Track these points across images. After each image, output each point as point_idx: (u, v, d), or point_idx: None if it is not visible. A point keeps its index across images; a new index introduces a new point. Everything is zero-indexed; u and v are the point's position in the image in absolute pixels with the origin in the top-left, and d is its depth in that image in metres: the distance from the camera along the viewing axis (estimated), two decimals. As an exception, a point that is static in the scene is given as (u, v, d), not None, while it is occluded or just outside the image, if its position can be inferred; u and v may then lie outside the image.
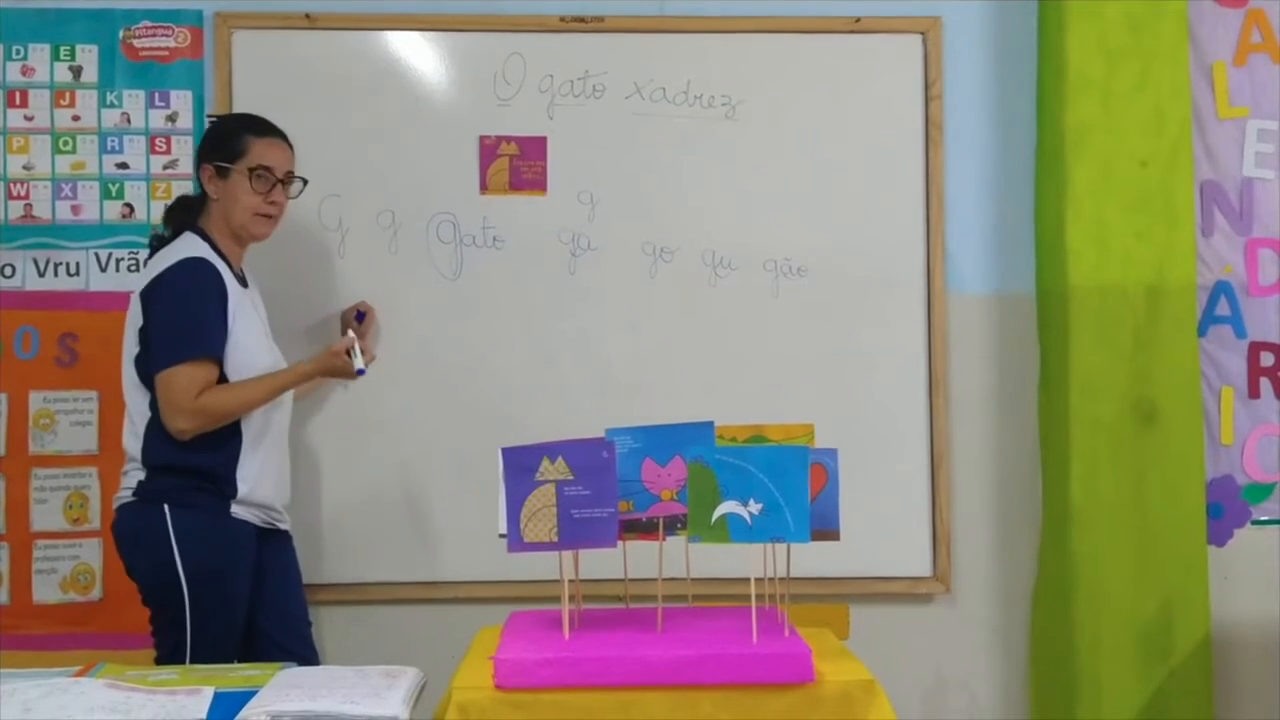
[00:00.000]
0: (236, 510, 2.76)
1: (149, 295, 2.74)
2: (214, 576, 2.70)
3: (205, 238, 2.83)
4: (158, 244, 2.85)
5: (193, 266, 2.74)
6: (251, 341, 2.81)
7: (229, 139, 2.84)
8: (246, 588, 2.78)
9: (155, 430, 2.73)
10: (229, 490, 2.75)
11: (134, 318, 2.78)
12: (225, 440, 2.75)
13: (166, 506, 2.69)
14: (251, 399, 2.77)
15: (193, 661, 2.61)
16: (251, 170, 2.82)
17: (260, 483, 2.79)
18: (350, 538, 3.22)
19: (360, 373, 2.84)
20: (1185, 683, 3.26)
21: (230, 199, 2.83)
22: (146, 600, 2.77)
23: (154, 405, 2.73)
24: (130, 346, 2.78)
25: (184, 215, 2.87)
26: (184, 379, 2.67)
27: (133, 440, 2.77)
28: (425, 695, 2.08)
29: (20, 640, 3.19)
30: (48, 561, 3.26)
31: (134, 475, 2.76)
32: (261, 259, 3.29)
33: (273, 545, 2.86)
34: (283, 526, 2.90)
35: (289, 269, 3.27)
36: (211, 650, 2.65)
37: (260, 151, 2.84)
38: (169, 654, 2.70)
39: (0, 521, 3.26)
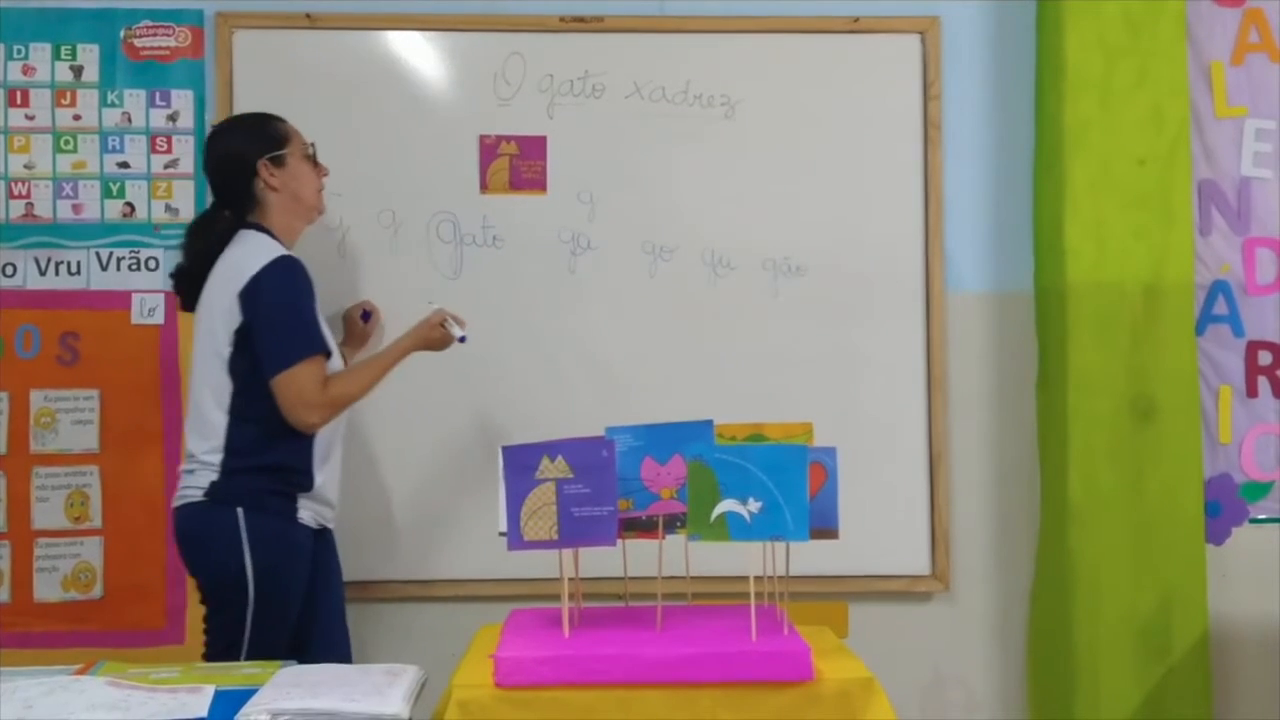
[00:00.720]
0: (302, 514, 2.78)
1: (251, 296, 2.70)
2: (279, 580, 2.73)
3: (266, 233, 2.83)
4: (184, 276, 2.85)
5: (288, 264, 2.76)
6: (327, 331, 2.85)
7: (269, 131, 2.87)
8: (303, 590, 2.81)
9: (238, 427, 2.73)
10: (306, 484, 2.78)
11: (225, 318, 2.73)
12: (304, 433, 2.76)
13: (240, 510, 2.71)
14: (367, 383, 2.84)
15: (247, 659, 2.64)
16: (301, 152, 2.89)
17: (330, 477, 2.85)
18: (350, 536, 3.21)
19: (462, 339, 2.90)
20: (1183, 681, 3.27)
21: (297, 182, 2.86)
22: (206, 598, 2.79)
23: (240, 403, 2.73)
24: (219, 346, 2.74)
25: (212, 230, 2.85)
26: (310, 375, 2.71)
27: (204, 439, 2.75)
28: (426, 693, 2.09)
29: (21, 638, 3.19)
30: (49, 560, 3.27)
31: (204, 475, 2.75)
32: (262, 258, 3.30)
33: (320, 544, 2.89)
34: (330, 525, 2.92)
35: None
36: (266, 649, 2.66)
37: (297, 135, 2.91)
38: (222, 652, 2.71)
39: (1, 520, 3.26)
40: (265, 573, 2.70)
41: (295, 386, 2.70)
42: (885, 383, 3.37)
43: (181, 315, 3.28)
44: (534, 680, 1.95)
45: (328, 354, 2.78)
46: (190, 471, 2.77)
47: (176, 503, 2.80)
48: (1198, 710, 3.27)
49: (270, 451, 2.74)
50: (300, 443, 2.76)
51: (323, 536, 2.89)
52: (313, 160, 2.92)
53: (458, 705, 1.94)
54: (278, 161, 2.84)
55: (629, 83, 3.36)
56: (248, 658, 2.65)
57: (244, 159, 2.83)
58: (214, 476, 2.73)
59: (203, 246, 2.83)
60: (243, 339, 2.72)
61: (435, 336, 2.92)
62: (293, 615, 2.79)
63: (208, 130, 3.30)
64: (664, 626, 2.13)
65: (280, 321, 2.73)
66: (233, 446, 2.73)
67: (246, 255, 2.76)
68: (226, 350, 2.74)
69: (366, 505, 3.24)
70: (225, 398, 2.75)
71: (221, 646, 2.72)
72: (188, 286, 2.86)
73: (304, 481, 2.78)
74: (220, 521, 2.71)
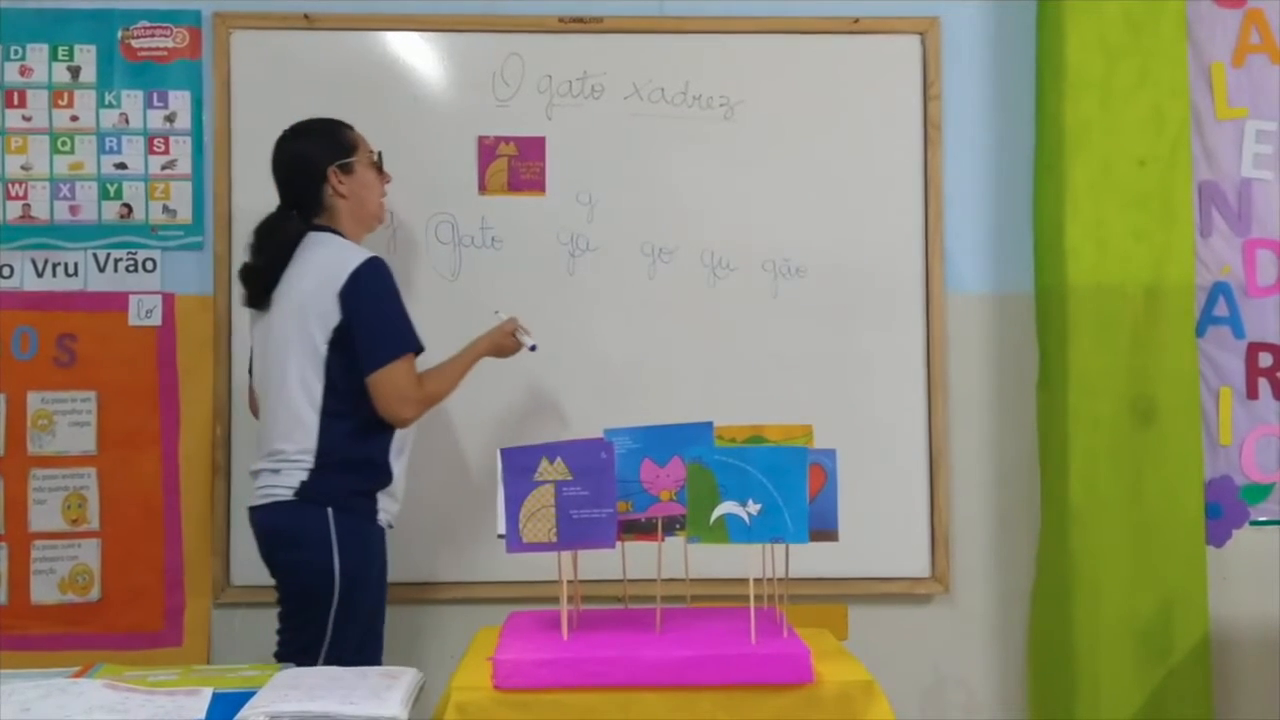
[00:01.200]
0: (381, 514, 2.82)
1: (351, 295, 2.75)
2: (363, 582, 2.76)
3: (338, 235, 2.88)
4: (254, 275, 2.86)
5: (379, 263, 2.81)
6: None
7: (338, 138, 2.92)
8: (379, 592, 2.86)
9: (329, 425, 2.77)
10: (386, 479, 2.82)
11: (322, 317, 2.76)
12: (386, 428, 2.82)
13: (330, 510, 2.74)
14: (453, 381, 2.93)
15: (326, 662, 2.64)
16: (369, 160, 2.94)
17: (402, 471, 2.88)
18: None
19: (533, 348, 2.99)
20: (1184, 682, 3.26)
21: (364, 190, 2.92)
22: (287, 598, 2.80)
23: (332, 401, 2.77)
24: (315, 344, 2.77)
25: (284, 231, 2.86)
26: (406, 371, 2.78)
27: (293, 438, 2.77)
28: (424, 695, 2.08)
29: (19, 641, 3.19)
30: (46, 562, 3.26)
31: (293, 474, 2.76)
32: (260, 259, 3.29)
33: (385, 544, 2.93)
34: (394, 524, 2.94)
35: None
36: (343, 651, 2.69)
37: (364, 142, 2.95)
38: (298, 652, 2.72)
39: (-1, 522, 3.27)
40: (351, 574, 2.74)
41: (393, 382, 2.76)
42: (885, 384, 3.37)
43: (180, 315, 3.30)
44: (533, 683, 1.95)
45: (420, 351, 2.83)
46: (275, 471, 2.79)
47: (260, 501, 2.81)
48: (1198, 712, 3.27)
49: (358, 448, 2.79)
50: (383, 439, 2.82)
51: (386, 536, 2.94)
52: (378, 168, 2.97)
53: (456, 708, 1.94)
54: (346, 169, 2.90)
55: (628, 83, 3.35)
56: (326, 660, 2.66)
57: (314, 164, 2.88)
58: (304, 476, 2.77)
59: (275, 247, 2.85)
60: (340, 337, 2.76)
61: (508, 344, 3.00)
62: (366, 617, 2.82)
63: (206, 132, 3.32)
64: (663, 629, 2.12)
65: (380, 319, 2.78)
66: (324, 445, 2.77)
67: (336, 256, 2.80)
68: (324, 349, 2.77)
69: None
70: (317, 396, 2.78)
71: (298, 647, 2.72)
72: (256, 285, 2.88)
73: (384, 477, 2.83)
74: (311, 521, 2.74)
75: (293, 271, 2.81)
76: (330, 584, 2.72)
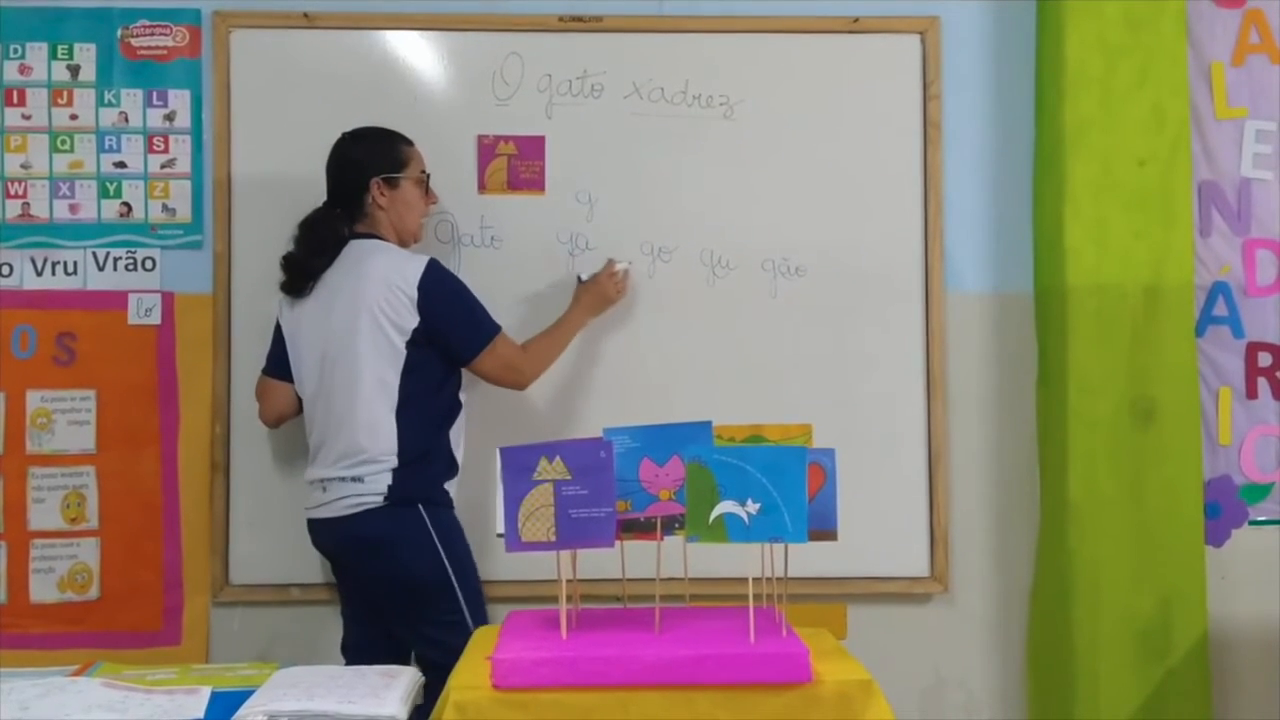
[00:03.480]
0: (454, 502, 2.93)
1: (428, 298, 2.86)
2: (471, 567, 2.89)
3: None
4: (297, 265, 2.95)
5: (437, 263, 2.95)
6: None
7: (391, 151, 3.00)
8: None
9: (407, 426, 2.86)
10: (455, 468, 2.94)
11: (398, 323, 2.86)
12: (451, 420, 2.95)
13: (422, 507, 2.82)
14: (561, 345, 3.12)
15: None
16: (417, 178, 3.02)
17: (461, 461, 2.98)
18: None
19: (629, 264, 3.22)
20: (1183, 682, 3.26)
21: (404, 207, 3.01)
22: (401, 605, 2.83)
23: (407, 402, 2.85)
24: (394, 348, 2.86)
25: (332, 228, 2.96)
26: (506, 344, 2.98)
27: (374, 441, 2.84)
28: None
29: (18, 639, 3.19)
30: (45, 561, 3.26)
31: (378, 479, 2.82)
32: (261, 261, 3.29)
33: None
34: None
35: (287, 268, 3.27)
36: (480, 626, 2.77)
37: (417, 159, 3.05)
38: (432, 644, 2.79)
39: (-3, 521, 3.26)
40: (459, 563, 2.84)
41: (500, 358, 2.96)
42: (884, 384, 3.37)
43: (180, 314, 3.31)
44: (532, 682, 1.95)
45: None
46: (357, 479, 2.83)
47: (346, 511, 2.85)
48: (1197, 711, 3.27)
49: (433, 443, 2.90)
50: (450, 431, 2.95)
51: None
52: (425, 188, 3.04)
53: (455, 707, 1.93)
54: (391, 183, 2.98)
55: (628, 83, 3.35)
56: None
57: (360, 171, 2.96)
58: (389, 479, 2.83)
59: (318, 241, 2.94)
60: (417, 338, 2.86)
61: (612, 289, 3.18)
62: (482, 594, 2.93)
63: (206, 130, 3.32)
64: (662, 628, 2.12)
65: (464, 311, 2.94)
66: (404, 444, 2.84)
67: (398, 263, 2.90)
68: (403, 352, 2.86)
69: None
70: (395, 396, 2.86)
71: (445, 650, 2.55)
72: (297, 274, 2.96)
73: (454, 468, 2.94)
74: (409, 522, 2.81)
75: (347, 274, 2.90)
76: (445, 577, 2.81)
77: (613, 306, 3.23)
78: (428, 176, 3.07)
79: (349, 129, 3.05)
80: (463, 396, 3.02)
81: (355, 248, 2.94)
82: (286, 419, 3.12)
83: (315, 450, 2.95)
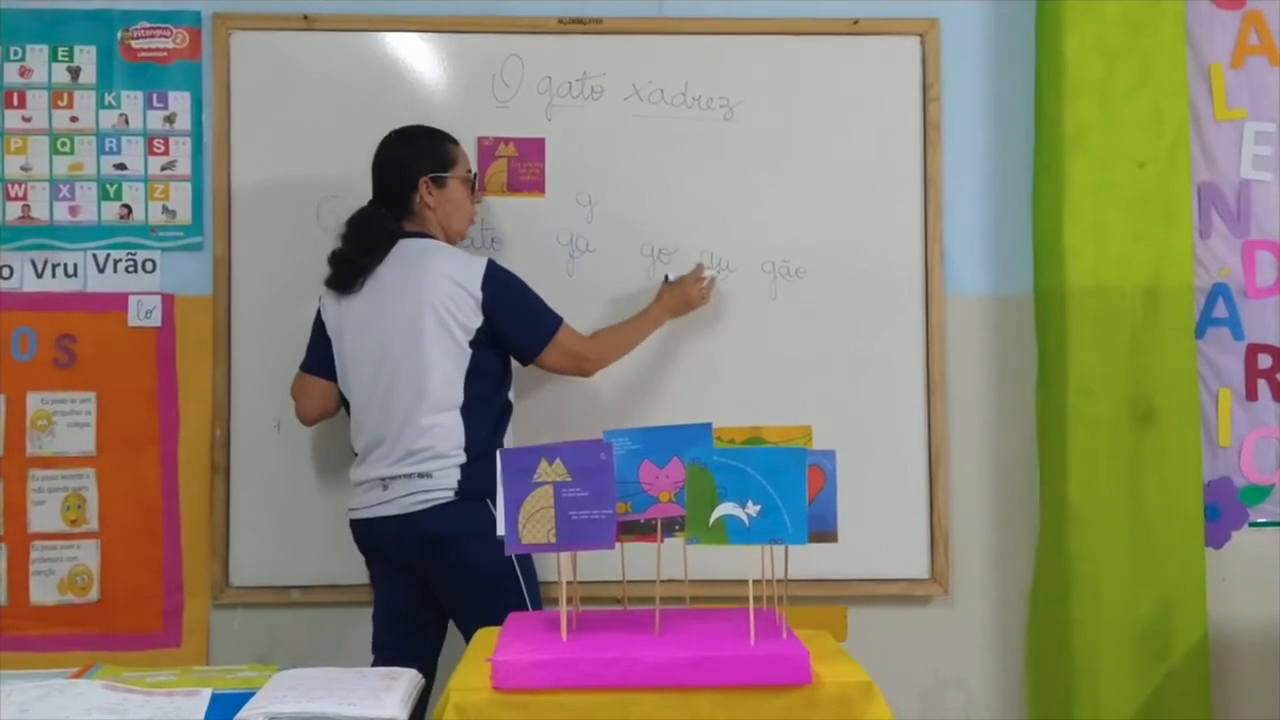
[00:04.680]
0: None
1: (493, 298, 2.88)
2: (530, 559, 2.87)
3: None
4: (346, 262, 2.94)
5: (494, 263, 2.96)
6: None
7: (438, 151, 3.01)
8: None
9: (473, 419, 2.87)
10: None
11: (461, 321, 2.87)
12: (506, 418, 2.98)
13: (489, 501, 2.77)
14: (632, 341, 3.15)
15: None
16: (464, 177, 3.03)
17: None
18: (350, 539, 3.21)
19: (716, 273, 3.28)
20: (1182, 684, 3.26)
21: (452, 206, 3.01)
22: (467, 594, 2.84)
23: (471, 399, 2.87)
24: (459, 347, 2.87)
25: (381, 226, 2.96)
26: (570, 335, 3.01)
27: (443, 437, 2.85)
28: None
29: (18, 641, 3.19)
30: (45, 563, 3.26)
31: (448, 474, 2.83)
32: (261, 263, 3.30)
33: None
34: None
35: (287, 271, 3.27)
36: None
37: (464, 159, 3.05)
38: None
39: (-2, 523, 3.26)
40: (522, 556, 2.81)
41: (565, 350, 3.00)
42: (884, 385, 3.37)
43: (180, 316, 3.31)
44: (532, 684, 1.95)
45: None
46: (425, 475, 2.84)
47: (415, 506, 2.84)
48: (1197, 713, 3.27)
49: (494, 440, 2.89)
50: (505, 428, 2.97)
51: None
52: (471, 187, 3.06)
53: (455, 709, 1.93)
54: (439, 183, 2.98)
55: (627, 84, 3.35)
56: None
57: (408, 172, 2.97)
58: (458, 474, 2.84)
59: (368, 239, 2.94)
60: (480, 337, 2.89)
61: (695, 294, 3.21)
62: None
63: (206, 132, 3.32)
64: (662, 630, 2.12)
65: (527, 307, 2.97)
66: (470, 440, 2.86)
67: (460, 264, 2.91)
68: (468, 353, 2.88)
69: (364, 508, 3.23)
70: (460, 394, 2.88)
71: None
72: (346, 271, 2.95)
73: None
74: (479, 516, 2.79)
75: (404, 273, 2.90)
76: (512, 570, 2.81)
77: (693, 311, 3.25)
78: (474, 175, 3.08)
79: (382, 126, 3.04)
80: (511, 397, 3.03)
81: (409, 246, 2.94)
82: (326, 416, 3.11)
83: (369, 449, 2.92)
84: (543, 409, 3.27)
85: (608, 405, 3.28)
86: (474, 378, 2.89)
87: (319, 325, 3.03)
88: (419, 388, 2.85)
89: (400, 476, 2.85)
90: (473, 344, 2.88)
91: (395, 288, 2.90)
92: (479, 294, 2.87)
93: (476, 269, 2.90)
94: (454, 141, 3.05)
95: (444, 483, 2.83)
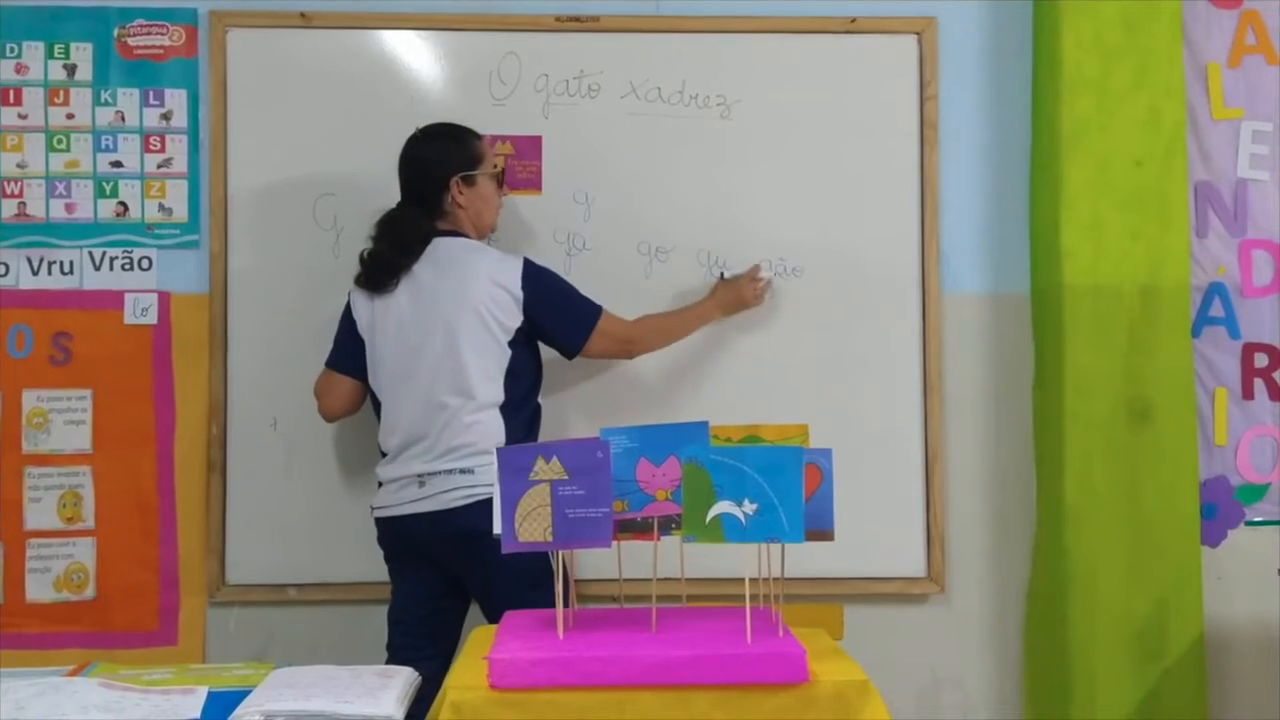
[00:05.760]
0: None
1: (532, 294, 2.90)
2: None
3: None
4: (380, 263, 2.93)
5: (530, 260, 2.97)
6: None
7: (467, 148, 3.01)
8: None
9: (511, 417, 2.89)
10: None
11: (500, 320, 2.89)
12: (538, 418, 3.00)
13: None
14: (676, 334, 3.19)
15: None
16: (492, 173, 3.04)
17: None
18: (347, 537, 3.21)
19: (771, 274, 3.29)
20: (1179, 682, 3.27)
21: (482, 202, 3.02)
22: (508, 588, 2.80)
23: (510, 396, 2.89)
24: (499, 346, 2.88)
25: (414, 226, 2.96)
26: (612, 321, 3.03)
27: (485, 434, 2.84)
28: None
29: (13, 639, 3.18)
30: (41, 560, 3.26)
31: (489, 471, 2.74)
32: (257, 261, 3.29)
33: None
34: None
35: (284, 269, 3.27)
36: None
37: (489, 154, 3.07)
38: None
39: (-6, 520, 3.26)
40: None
41: (610, 335, 3.03)
42: (881, 384, 3.37)
43: (176, 314, 3.31)
44: (528, 682, 1.95)
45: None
46: (467, 471, 2.84)
47: (458, 502, 2.84)
48: (1193, 712, 3.27)
49: (528, 438, 2.92)
50: (536, 425, 3.00)
51: None
52: (499, 181, 3.08)
53: (452, 707, 1.93)
54: (469, 181, 2.99)
55: (625, 82, 3.35)
56: None
57: (439, 171, 2.97)
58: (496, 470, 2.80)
59: (400, 239, 2.94)
60: (519, 336, 2.91)
61: (749, 293, 3.23)
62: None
63: (203, 130, 3.32)
64: (659, 628, 2.12)
65: (567, 301, 2.99)
66: (510, 437, 2.86)
67: (499, 264, 2.93)
68: (508, 353, 2.90)
69: (364, 507, 3.22)
70: (500, 391, 2.88)
71: None
72: (380, 271, 2.94)
73: None
74: None
75: (441, 272, 2.90)
76: (546, 563, 2.77)
77: (746, 310, 3.27)
78: (501, 170, 3.09)
79: (421, 126, 3.04)
80: (540, 400, 3.04)
81: (444, 245, 2.94)
82: (349, 414, 3.10)
83: (404, 446, 2.91)
84: (543, 409, 3.26)
85: (606, 404, 3.28)
86: (512, 377, 2.90)
87: (349, 324, 3.01)
88: (461, 386, 2.86)
89: (440, 473, 2.85)
90: (511, 343, 2.90)
91: (434, 288, 2.90)
92: (520, 294, 2.90)
93: (515, 269, 2.92)
94: (479, 137, 3.05)
95: (486, 479, 2.79)
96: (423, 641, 2.91)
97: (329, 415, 3.10)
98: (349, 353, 3.00)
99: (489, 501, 2.75)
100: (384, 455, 2.97)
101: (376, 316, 2.95)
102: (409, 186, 3.00)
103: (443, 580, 2.93)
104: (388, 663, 2.83)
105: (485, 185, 3.02)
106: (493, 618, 2.91)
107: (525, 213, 3.33)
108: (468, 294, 2.87)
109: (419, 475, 2.87)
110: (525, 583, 2.78)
